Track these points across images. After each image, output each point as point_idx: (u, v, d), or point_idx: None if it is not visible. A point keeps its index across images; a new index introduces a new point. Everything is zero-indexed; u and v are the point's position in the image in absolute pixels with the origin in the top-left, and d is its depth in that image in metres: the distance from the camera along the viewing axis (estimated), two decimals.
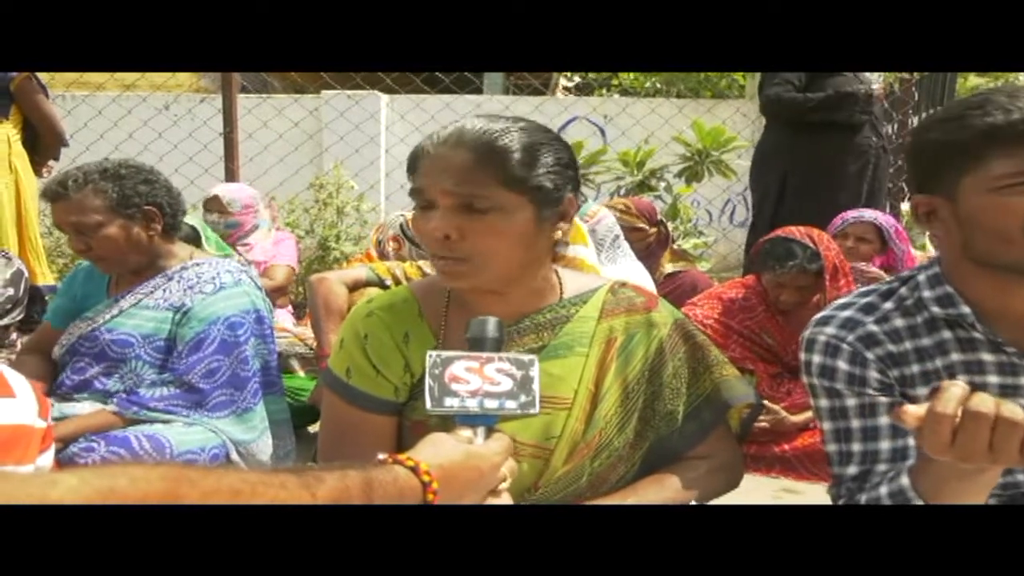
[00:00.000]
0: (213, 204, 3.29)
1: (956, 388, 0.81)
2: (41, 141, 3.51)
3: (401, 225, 2.69)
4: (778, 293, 2.57)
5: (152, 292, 1.89)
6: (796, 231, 2.56)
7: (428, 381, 0.88)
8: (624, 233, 2.66)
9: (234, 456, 1.83)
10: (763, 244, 2.62)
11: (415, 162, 1.06)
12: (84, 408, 1.80)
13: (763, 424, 2.36)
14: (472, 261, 1.04)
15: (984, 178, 0.97)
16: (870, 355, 1.09)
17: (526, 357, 0.91)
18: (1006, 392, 0.82)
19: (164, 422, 1.76)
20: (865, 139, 3.45)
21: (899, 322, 1.11)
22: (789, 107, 3.39)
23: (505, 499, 0.86)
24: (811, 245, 2.49)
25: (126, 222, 1.82)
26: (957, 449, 0.79)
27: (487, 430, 0.87)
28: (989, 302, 1.06)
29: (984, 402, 0.79)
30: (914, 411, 0.81)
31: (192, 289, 1.88)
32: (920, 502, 0.93)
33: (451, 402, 0.87)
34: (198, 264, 1.95)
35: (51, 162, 3.68)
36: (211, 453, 1.78)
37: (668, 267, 3.12)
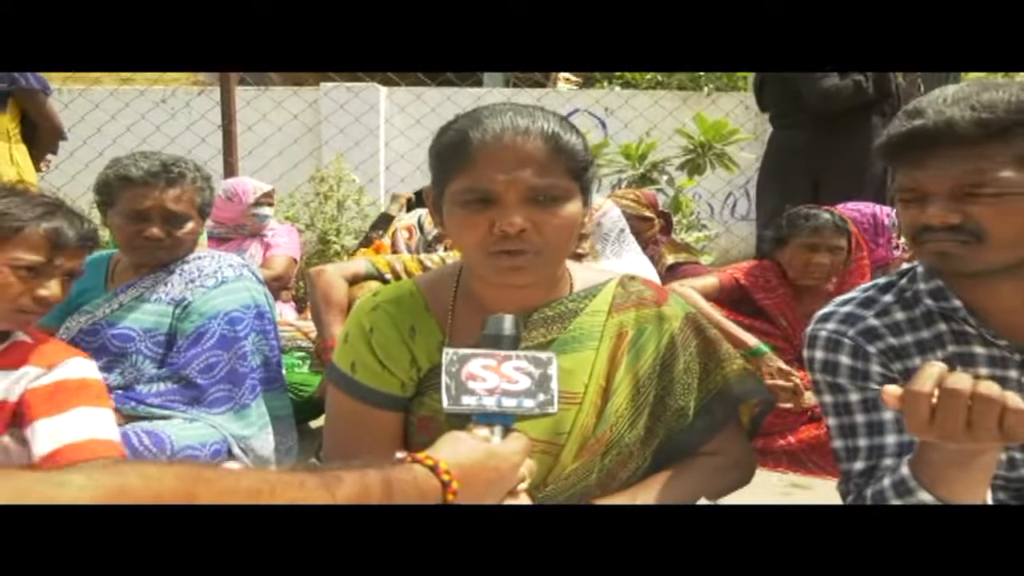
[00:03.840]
0: (267, 198, 3.31)
1: (933, 367, 0.82)
2: (39, 135, 3.47)
3: (420, 217, 2.69)
4: (809, 257, 2.56)
5: (153, 286, 1.87)
6: (816, 207, 2.67)
7: (445, 379, 0.86)
8: (633, 224, 2.69)
9: (236, 451, 1.81)
10: (787, 216, 2.65)
11: (462, 156, 1.01)
12: None
13: (782, 386, 2.37)
14: (541, 254, 1.02)
15: None
16: (872, 349, 1.09)
17: (544, 355, 0.90)
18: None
19: (162, 418, 1.74)
20: None
21: (899, 315, 1.11)
22: (849, 94, 3.32)
23: (523, 499, 0.84)
24: (838, 215, 2.61)
25: (201, 221, 1.90)
26: (936, 427, 0.81)
27: (504, 429, 0.85)
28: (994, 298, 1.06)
29: (960, 380, 0.80)
30: (894, 391, 0.83)
31: (193, 283, 1.86)
32: (923, 492, 0.93)
33: (468, 401, 0.85)
34: (199, 258, 1.93)
35: (48, 156, 3.64)
36: (212, 449, 1.75)
37: (670, 259, 3.11)
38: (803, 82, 3.46)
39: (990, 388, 0.80)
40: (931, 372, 0.82)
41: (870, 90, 3.31)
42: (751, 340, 2.46)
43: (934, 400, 0.81)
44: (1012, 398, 0.79)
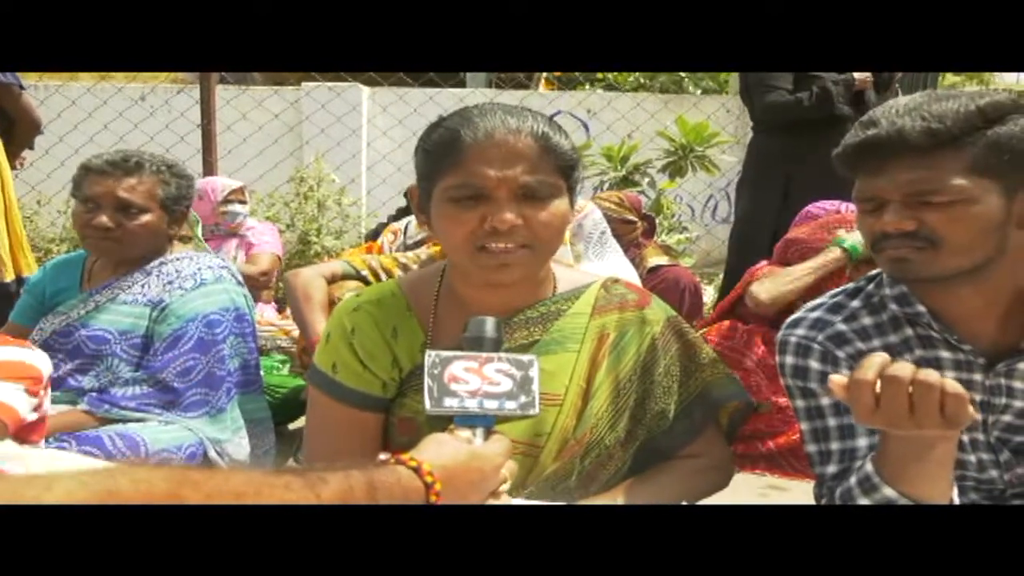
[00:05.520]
0: (238, 195, 3.29)
1: (876, 356, 0.86)
2: (16, 129, 3.40)
3: (408, 224, 2.67)
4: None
5: (130, 287, 1.84)
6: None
7: (427, 381, 0.86)
8: (615, 226, 2.68)
9: (211, 454, 1.79)
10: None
11: (453, 153, 1.01)
12: (56, 410, 1.75)
13: None
14: (530, 249, 1.02)
15: None
16: (840, 354, 1.11)
17: (526, 358, 0.90)
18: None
19: (137, 421, 1.71)
20: None
21: (867, 320, 1.13)
22: (787, 110, 3.38)
23: (505, 500, 0.85)
24: None
25: (163, 215, 1.85)
26: (881, 413, 0.85)
27: (485, 431, 0.85)
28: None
29: (901, 368, 0.84)
30: (839, 380, 0.87)
31: (171, 284, 1.84)
32: (887, 487, 0.95)
33: (450, 402, 0.86)
34: (178, 259, 1.90)
35: (24, 153, 3.57)
36: (187, 452, 1.73)
37: (652, 261, 3.11)
38: (753, 94, 3.52)
39: (929, 375, 0.83)
40: (873, 361, 0.85)
41: (815, 107, 3.36)
42: (837, 248, 2.37)
43: (878, 389, 0.84)
44: (950, 383, 0.83)
